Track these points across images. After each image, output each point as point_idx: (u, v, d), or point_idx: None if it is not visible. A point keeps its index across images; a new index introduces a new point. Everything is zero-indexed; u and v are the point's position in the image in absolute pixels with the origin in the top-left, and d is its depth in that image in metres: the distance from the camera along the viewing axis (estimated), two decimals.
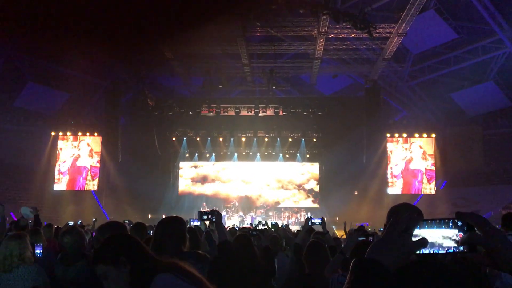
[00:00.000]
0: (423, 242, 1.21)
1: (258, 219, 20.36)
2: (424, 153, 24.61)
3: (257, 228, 8.87)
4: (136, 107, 25.53)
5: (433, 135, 24.67)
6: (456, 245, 1.24)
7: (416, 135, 24.67)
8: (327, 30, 19.21)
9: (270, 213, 24.35)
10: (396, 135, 24.71)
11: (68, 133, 25.25)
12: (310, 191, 26.33)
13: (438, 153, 24.68)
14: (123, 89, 25.53)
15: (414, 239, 1.23)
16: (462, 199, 22.94)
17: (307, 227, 6.01)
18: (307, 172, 26.61)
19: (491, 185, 23.04)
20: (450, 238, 1.25)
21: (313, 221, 6.23)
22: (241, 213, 24.20)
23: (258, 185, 26.38)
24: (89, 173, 25.11)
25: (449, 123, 25.30)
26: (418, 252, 1.23)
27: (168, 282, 2.01)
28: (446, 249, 1.25)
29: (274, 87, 23.68)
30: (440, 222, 1.26)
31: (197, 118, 24.87)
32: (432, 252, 1.25)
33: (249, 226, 13.64)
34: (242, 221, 21.88)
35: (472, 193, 23.00)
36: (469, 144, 24.81)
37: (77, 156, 25.25)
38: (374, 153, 23.78)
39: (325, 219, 6.26)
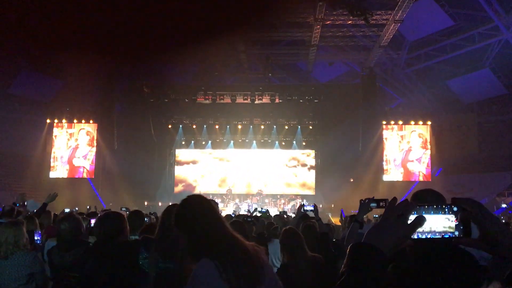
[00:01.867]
0: (419, 220, 1.23)
1: (254, 206, 20.42)
2: (423, 141, 24.63)
3: (253, 215, 8.90)
4: (131, 94, 25.43)
5: (429, 122, 24.71)
6: (451, 230, 1.27)
7: (412, 122, 24.71)
8: (324, 16, 19.12)
9: (266, 201, 24.43)
10: (392, 122, 24.75)
11: (64, 121, 25.15)
12: (306, 178, 26.40)
13: (433, 140, 24.75)
14: (119, 76, 25.37)
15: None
16: (457, 186, 23.07)
17: (300, 214, 6.03)
18: (303, 159, 26.66)
19: (485, 172, 23.19)
20: (446, 223, 1.27)
21: (305, 208, 6.26)
22: (237, 201, 24.27)
23: (254, 172, 26.41)
24: (86, 161, 25.09)
25: (445, 110, 25.38)
26: (415, 237, 1.25)
27: (204, 271, 2.04)
28: (442, 234, 1.27)
29: (270, 74, 23.64)
30: (437, 207, 1.28)
31: (193, 105, 24.79)
32: (428, 237, 1.27)
33: (246, 213, 13.70)
34: (237, 208, 21.95)
35: (467, 180, 23.15)
36: (465, 131, 24.93)
37: (76, 145, 25.17)
38: (370, 140, 23.83)
39: (317, 206, 6.28)
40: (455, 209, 1.28)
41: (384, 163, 24.53)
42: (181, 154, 27.00)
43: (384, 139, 24.67)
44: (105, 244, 3.42)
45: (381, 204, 4.29)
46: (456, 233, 1.27)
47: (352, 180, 23.72)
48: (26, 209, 6.68)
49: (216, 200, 23.47)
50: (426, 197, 2.21)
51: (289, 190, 25.91)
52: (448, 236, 1.27)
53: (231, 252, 2.10)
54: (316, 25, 19.84)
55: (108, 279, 3.26)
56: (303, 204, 6.55)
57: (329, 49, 24.22)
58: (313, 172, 26.37)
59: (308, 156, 26.66)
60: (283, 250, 4.16)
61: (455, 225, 1.27)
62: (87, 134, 25.25)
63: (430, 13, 20.70)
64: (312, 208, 6.12)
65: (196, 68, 24.72)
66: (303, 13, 19.88)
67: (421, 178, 24.36)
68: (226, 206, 23.56)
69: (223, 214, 13.81)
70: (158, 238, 3.16)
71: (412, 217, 1.24)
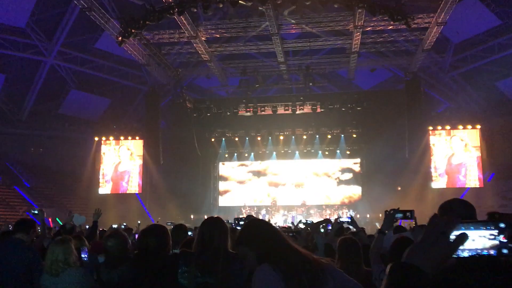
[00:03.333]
0: (462, 238, 1.16)
1: (299, 217, 20.21)
2: (466, 145, 23.79)
3: (298, 226, 8.76)
4: (175, 110, 25.97)
5: (478, 126, 23.79)
6: (496, 247, 1.18)
7: (460, 127, 23.86)
8: (363, 23, 18.87)
9: (312, 211, 24.15)
10: (439, 127, 24.01)
11: (111, 138, 25.92)
12: (352, 188, 25.95)
13: (484, 145, 23.78)
14: (162, 93, 26.00)
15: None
16: (510, 192, 22.05)
17: (336, 227, 5.86)
18: (349, 168, 26.23)
19: None
20: (489, 240, 1.19)
21: (341, 219, 6.09)
22: (283, 212, 24.13)
23: (298, 183, 26.21)
24: (131, 177, 25.69)
25: (495, 113, 24.36)
26: (457, 255, 1.18)
27: (264, 274, 2.22)
28: (485, 252, 1.19)
29: (311, 83, 23.48)
30: (478, 223, 1.20)
31: (235, 118, 24.97)
32: (471, 255, 1.19)
33: (289, 225, 13.55)
34: (285, 220, 21.79)
35: None
36: None
37: (118, 161, 25.88)
38: (417, 146, 23.17)
39: (353, 216, 6.09)
40: (501, 225, 1.18)
41: (432, 169, 23.79)
42: (225, 167, 27.19)
43: (431, 145, 23.95)
44: (146, 257, 3.44)
45: (407, 214, 4.20)
46: (505, 251, 1.17)
47: (399, 188, 23.09)
48: (70, 223, 6.82)
49: (262, 212, 23.53)
50: (453, 207, 2.08)
51: (334, 200, 25.53)
52: (494, 253, 1.18)
53: (290, 259, 2.28)
54: (356, 32, 19.59)
55: None
56: (339, 216, 6.36)
57: (370, 56, 23.86)
58: (359, 181, 25.90)
59: (354, 165, 26.23)
60: (338, 257, 4.04)
61: (502, 242, 1.17)
62: (128, 149, 25.87)
63: (475, 13, 20.06)
64: (348, 219, 5.92)
65: (236, 81, 24.91)
66: (342, 20, 19.71)
67: (470, 185, 23.45)
68: (272, 217, 23.45)
69: None
70: (197, 252, 3.15)
71: (454, 234, 1.17)
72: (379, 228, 5.49)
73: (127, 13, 17.88)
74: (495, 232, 1.18)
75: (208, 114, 24.82)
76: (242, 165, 27.01)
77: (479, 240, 1.19)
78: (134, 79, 26.32)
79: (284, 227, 8.31)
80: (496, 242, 1.18)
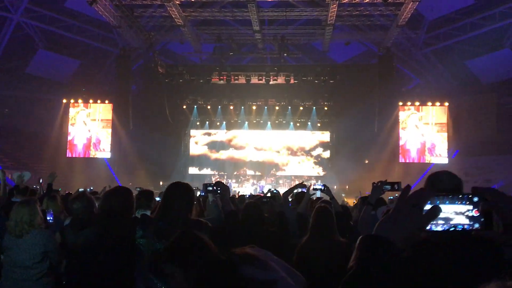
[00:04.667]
0: (435, 211, 1.15)
1: (268, 187, 20.46)
2: (434, 122, 24.38)
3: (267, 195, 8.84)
4: (147, 74, 25.51)
5: (446, 104, 24.36)
6: (470, 222, 1.19)
7: (429, 103, 24.39)
8: None
9: (280, 181, 24.47)
10: (409, 103, 24.45)
11: (80, 100, 25.37)
12: (321, 160, 26.34)
13: (451, 122, 24.41)
14: (134, 57, 25.43)
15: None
16: (474, 168, 22.77)
17: (308, 196, 5.93)
18: (318, 140, 26.54)
19: (504, 154, 22.79)
20: (463, 214, 1.19)
21: (314, 187, 6.13)
22: (253, 181, 24.35)
23: (269, 153, 26.42)
24: (100, 141, 25.34)
25: (464, 91, 24.88)
26: (430, 229, 1.18)
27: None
28: (459, 226, 1.20)
29: (285, 54, 23.37)
30: (453, 197, 1.20)
31: (208, 85, 24.76)
32: (444, 229, 1.19)
33: (260, 194, 13.70)
34: (255, 190, 22.01)
35: (485, 162, 22.81)
36: (483, 112, 24.44)
37: (87, 125, 25.42)
38: (386, 121, 23.58)
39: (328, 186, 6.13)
40: (475, 199, 1.19)
41: (399, 144, 24.31)
42: (195, 134, 27.09)
43: (400, 121, 24.41)
44: (108, 219, 3.44)
45: (395, 186, 4.23)
46: (476, 225, 1.19)
47: (367, 161, 23.58)
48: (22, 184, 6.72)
49: (231, 181, 23.68)
50: (442, 179, 2.11)
51: (303, 171, 25.88)
52: (467, 228, 1.19)
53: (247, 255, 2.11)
54: (332, 3, 19.46)
55: (106, 253, 3.28)
56: (311, 184, 6.38)
57: (345, 29, 23.85)
58: (327, 153, 26.28)
59: (323, 137, 26.53)
60: (311, 227, 4.10)
61: (475, 216, 1.19)
62: (98, 113, 25.43)
63: None
64: (321, 187, 5.94)
65: (211, 48, 24.57)
66: None
67: (437, 161, 24.14)
68: (242, 186, 23.65)
69: (240, 194, 13.88)
70: (157, 217, 3.12)
71: (427, 207, 1.16)
72: (344, 199, 5.59)
73: None
74: (469, 206, 1.19)
75: (181, 81, 24.52)
76: (213, 133, 26.96)
77: (453, 213, 1.19)
78: (105, 41, 25.59)
79: (259, 195, 8.36)
80: (469, 215, 1.19)
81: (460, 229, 1.19)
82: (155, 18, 22.92)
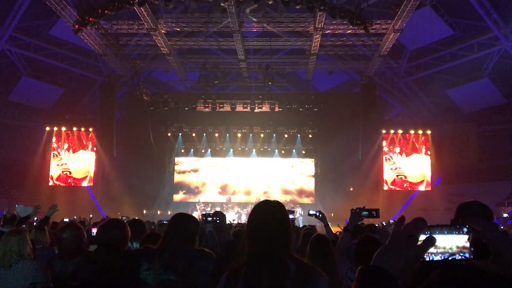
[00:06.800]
0: (430, 241, 1.16)
1: None
2: (416, 150, 24.73)
3: None
4: (131, 102, 25.45)
5: (428, 132, 24.76)
6: (463, 251, 1.21)
7: (412, 131, 24.76)
8: (324, 26, 19.18)
9: None
10: (392, 131, 24.79)
11: (63, 128, 25.10)
12: (305, 187, 26.35)
13: (433, 150, 24.77)
14: (118, 84, 25.42)
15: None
16: (456, 195, 23.00)
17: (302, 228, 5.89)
18: (303, 168, 26.61)
19: (485, 181, 23.14)
20: (459, 244, 1.22)
21: (310, 212, 6.08)
22: (237, 209, 24.19)
23: (254, 181, 26.35)
24: (82, 169, 25.02)
25: (445, 119, 25.40)
26: (428, 258, 1.19)
27: None
28: (454, 255, 1.21)
29: (270, 82, 23.66)
30: (445, 228, 1.22)
31: (193, 113, 24.80)
32: (441, 258, 1.21)
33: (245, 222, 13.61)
34: (239, 217, 21.84)
35: (467, 189, 23.06)
36: (464, 140, 24.92)
37: (69, 153, 25.13)
38: (370, 149, 23.82)
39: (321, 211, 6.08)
40: (465, 229, 1.22)
41: (384, 172, 24.52)
42: (180, 162, 26.95)
43: (383, 148, 24.68)
44: (107, 253, 3.38)
45: (372, 213, 4.25)
46: (467, 254, 1.20)
47: (351, 189, 23.67)
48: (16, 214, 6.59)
49: (216, 209, 23.47)
50: (470, 209, 2.13)
51: (288, 199, 25.84)
52: (462, 257, 1.21)
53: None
54: (316, 34, 19.89)
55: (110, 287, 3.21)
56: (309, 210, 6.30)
57: (328, 58, 24.30)
58: (312, 180, 26.32)
59: (308, 165, 26.63)
60: (310, 257, 4.05)
61: (466, 246, 1.21)
62: (80, 141, 25.17)
63: (430, 23, 20.79)
64: (315, 213, 5.85)
65: (196, 76, 24.74)
66: (303, 22, 19.96)
67: (420, 188, 24.36)
68: (226, 213, 23.42)
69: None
70: (160, 248, 3.10)
71: (422, 238, 1.17)
72: (330, 227, 5.55)
73: (85, 0, 17.36)
74: (459, 236, 1.21)
75: (166, 108, 24.53)
76: (198, 161, 26.86)
77: (448, 243, 1.21)
78: (90, 68, 25.60)
79: (241, 223, 8.29)
80: (463, 245, 1.20)
81: (452, 258, 1.21)
82: (141, 46, 23.09)
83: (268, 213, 2.28)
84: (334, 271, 3.95)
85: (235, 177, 26.45)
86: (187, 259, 3.00)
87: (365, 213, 4.23)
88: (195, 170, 26.76)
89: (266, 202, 2.36)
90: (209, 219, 4.06)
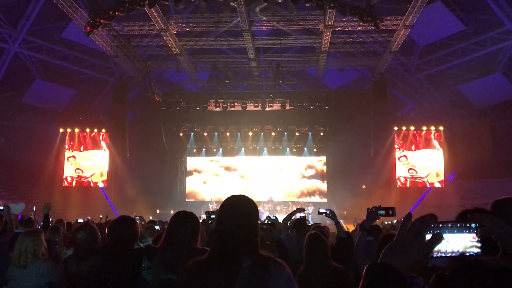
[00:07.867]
0: (437, 238, 1.17)
1: (266, 214, 20.35)
2: (429, 146, 24.55)
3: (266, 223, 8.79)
4: (143, 103, 25.67)
5: (441, 128, 24.54)
6: (472, 248, 1.22)
7: (424, 128, 24.56)
8: (334, 23, 19.10)
9: (278, 208, 24.34)
10: (404, 128, 24.61)
11: (76, 130, 25.38)
12: (317, 185, 26.30)
13: (446, 146, 24.55)
14: (130, 85, 25.62)
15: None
16: (470, 192, 22.80)
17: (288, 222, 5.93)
18: (315, 166, 26.57)
19: (499, 177, 22.87)
20: (467, 241, 1.23)
21: (320, 210, 6.10)
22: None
23: (265, 179, 26.37)
24: (96, 170, 25.27)
25: (457, 115, 25.14)
26: (434, 256, 1.20)
27: None
28: (463, 252, 1.23)
29: (280, 81, 23.61)
30: (454, 225, 1.23)
31: (204, 113, 24.90)
32: (448, 256, 1.22)
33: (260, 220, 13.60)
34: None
35: (480, 185, 22.85)
36: (477, 136, 24.66)
37: (83, 154, 25.39)
38: (382, 146, 23.69)
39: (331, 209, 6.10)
40: (473, 225, 1.23)
41: (396, 169, 24.37)
42: (192, 162, 27.07)
43: (395, 145, 24.53)
44: (116, 248, 3.41)
45: (389, 212, 4.23)
46: (477, 250, 1.22)
47: (364, 186, 23.56)
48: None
49: None
50: (504, 207, 2.12)
51: (300, 197, 25.82)
52: (472, 254, 1.22)
53: None
54: (326, 31, 19.82)
55: (111, 282, 3.24)
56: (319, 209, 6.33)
57: (339, 55, 24.20)
58: (324, 178, 26.26)
59: (319, 163, 26.57)
60: (305, 256, 4.09)
61: (475, 242, 1.22)
62: (94, 142, 25.43)
63: (441, 18, 20.60)
64: (326, 211, 5.86)
65: (206, 76, 24.81)
66: (313, 19, 19.91)
67: (433, 185, 24.18)
68: None
69: None
70: (162, 248, 3.09)
71: (429, 235, 1.17)
72: (343, 225, 5.56)
73: (96, 2, 17.51)
74: (468, 232, 1.22)
75: (177, 109, 24.65)
76: (210, 160, 26.96)
77: (457, 240, 1.21)
78: (101, 70, 25.82)
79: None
80: (472, 242, 1.22)
81: (460, 254, 1.23)
82: (152, 47, 23.22)
83: (231, 209, 2.27)
84: (332, 270, 3.96)
85: (246, 176, 26.49)
86: (188, 258, 2.97)
87: (381, 212, 4.21)
88: (207, 170, 26.86)
89: (231, 198, 2.33)
90: (213, 216, 4.07)
